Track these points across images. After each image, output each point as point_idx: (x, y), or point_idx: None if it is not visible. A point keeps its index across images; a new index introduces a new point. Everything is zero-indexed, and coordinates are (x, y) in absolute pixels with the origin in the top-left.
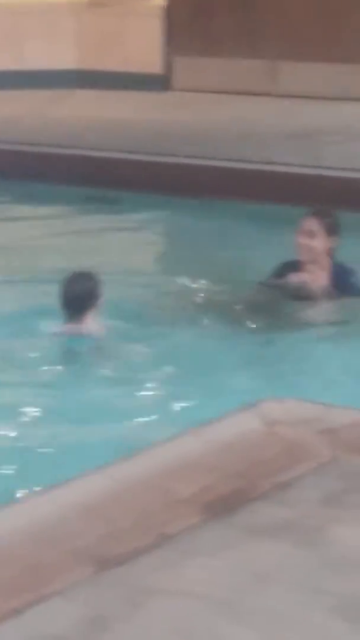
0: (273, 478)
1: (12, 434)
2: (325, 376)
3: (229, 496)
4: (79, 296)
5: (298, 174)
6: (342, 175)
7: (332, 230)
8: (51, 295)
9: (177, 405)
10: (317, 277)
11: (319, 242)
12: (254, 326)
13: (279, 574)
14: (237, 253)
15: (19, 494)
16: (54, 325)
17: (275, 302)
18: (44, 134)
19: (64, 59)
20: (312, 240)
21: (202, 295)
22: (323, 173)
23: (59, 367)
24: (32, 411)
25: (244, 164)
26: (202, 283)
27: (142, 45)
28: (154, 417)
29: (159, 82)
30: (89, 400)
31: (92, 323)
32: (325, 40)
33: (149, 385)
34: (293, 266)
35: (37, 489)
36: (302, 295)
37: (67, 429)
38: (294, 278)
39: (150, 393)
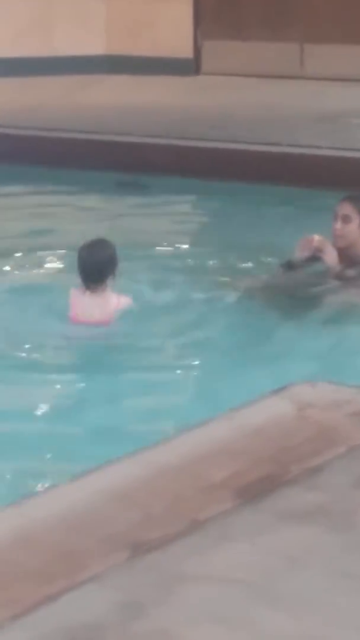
0: (304, 462)
1: (42, 421)
2: (355, 359)
3: (260, 481)
4: (98, 263)
5: (328, 156)
6: None
7: None
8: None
9: (207, 390)
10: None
11: (355, 227)
12: (283, 309)
13: (311, 558)
14: (267, 237)
15: (50, 482)
16: (74, 292)
17: (304, 285)
18: (74, 120)
19: (94, 45)
20: (347, 225)
21: (231, 279)
22: (354, 155)
23: (87, 354)
24: (62, 398)
25: (273, 147)
26: (231, 266)
27: (171, 29)
28: (184, 402)
29: (188, 67)
30: (117, 387)
31: (115, 299)
32: (353, 23)
33: (178, 370)
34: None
35: (69, 475)
36: (332, 277)
37: (99, 415)
38: (327, 257)
39: (180, 378)
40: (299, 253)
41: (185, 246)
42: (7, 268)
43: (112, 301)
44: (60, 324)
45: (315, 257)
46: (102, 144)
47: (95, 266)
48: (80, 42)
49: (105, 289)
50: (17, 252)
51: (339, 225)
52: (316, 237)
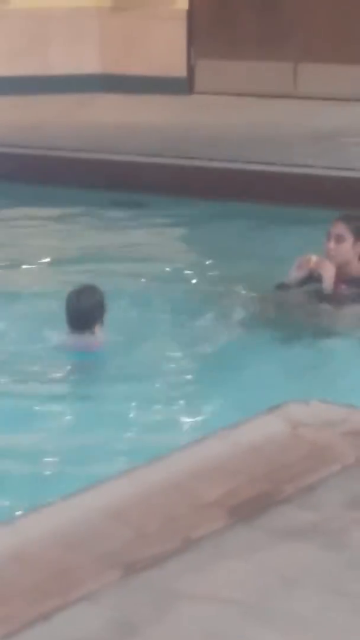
0: (298, 481)
1: (36, 441)
2: (350, 378)
3: (254, 499)
4: (85, 310)
5: (322, 175)
6: None
7: None
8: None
9: (202, 409)
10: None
11: (348, 247)
12: (277, 328)
13: (305, 577)
14: (261, 256)
15: (44, 500)
16: (61, 337)
17: (299, 305)
18: (69, 139)
19: (88, 63)
20: (340, 245)
21: (226, 298)
22: (347, 175)
23: (79, 377)
24: (55, 418)
25: (267, 166)
26: (226, 286)
27: (165, 48)
28: (177, 421)
29: (182, 86)
30: (111, 405)
31: (102, 338)
32: (346, 42)
33: (171, 388)
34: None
35: (63, 494)
36: (325, 297)
37: (92, 435)
38: (326, 274)
39: (174, 396)
40: (296, 272)
41: (180, 265)
42: (3, 284)
43: (98, 340)
44: (52, 346)
45: (311, 277)
46: (97, 162)
47: (82, 314)
48: (75, 61)
49: (92, 334)
50: (13, 268)
51: (332, 244)
52: (313, 257)
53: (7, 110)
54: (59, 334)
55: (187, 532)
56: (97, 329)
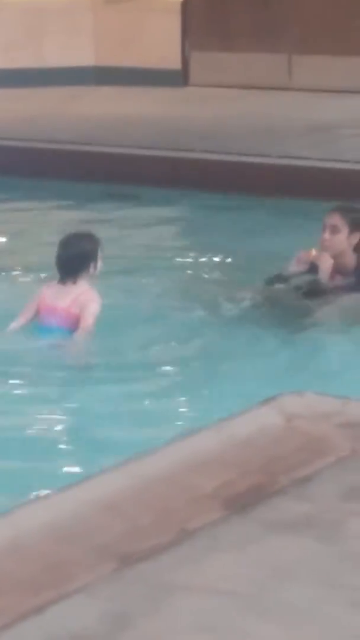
0: (292, 473)
1: (27, 433)
2: (344, 370)
3: (249, 491)
4: (72, 256)
5: (317, 167)
6: None
7: (356, 225)
8: None
9: (195, 401)
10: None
11: (343, 238)
12: (271, 319)
13: (300, 568)
14: (255, 248)
15: (38, 492)
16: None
17: (294, 296)
18: (63, 131)
19: (83, 56)
20: (335, 236)
21: (220, 290)
22: (342, 166)
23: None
24: (49, 411)
25: (262, 158)
26: (220, 278)
27: (160, 41)
28: (171, 413)
29: (177, 78)
30: (101, 399)
31: (86, 288)
32: (341, 34)
33: (165, 381)
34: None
35: (57, 486)
36: (320, 288)
37: (86, 426)
38: (324, 265)
39: (169, 388)
40: (296, 266)
41: (175, 257)
42: None
43: (80, 290)
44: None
45: (310, 270)
46: (92, 155)
47: (69, 259)
48: (70, 53)
49: (76, 282)
50: (6, 263)
51: (327, 235)
52: (313, 251)
53: (1, 102)
54: (44, 290)
55: (181, 524)
56: (85, 276)
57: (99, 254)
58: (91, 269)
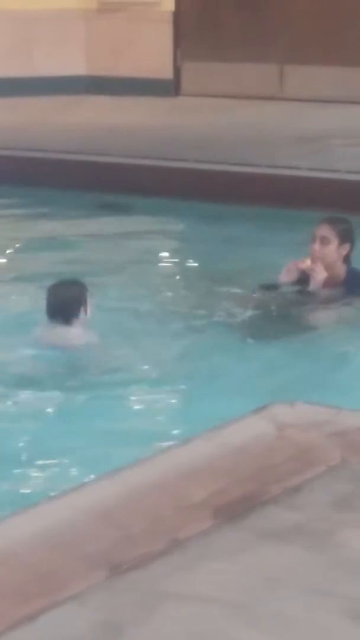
0: (284, 482)
1: (23, 442)
2: (334, 379)
3: (240, 500)
4: (63, 303)
5: (307, 177)
6: (351, 178)
7: (346, 236)
8: None
9: (187, 410)
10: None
11: (333, 249)
12: (263, 329)
13: (291, 577)
14: (247, 258)
15: (30, 501)
16: (40, 331)
17: (284, 305)
18: (55, 141)
19: (74, 66)
20: (325, 247)
21: (212, 299)
22: (332, 176)
23: (64, 376)
24: (41, 419)
25: (253, 168)
26: (212, 287)
27: (152, 51)
28: (162, 422)
29: (168, 88)
30: (95, 408)
31: (81, 332)
32: (332, 44)
33: (158, 390)
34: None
35: (48, 495)
36: (311, 297)
37: (78, 436)
38: (317, 275)
39: (161, 398)
40: (286, 276)
41: (167, 267)
42: None
43: (77, 334)
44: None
45: (300, 280)
46: (83, 164)
47: (60, 306)
48: (61, 63)
49: (71, 327)
50: None
51: (317, 246)
52: (307, 261)
53: None
54: (40, 330)
55: (173, 533)
56: (76, 323)
57: (88, 300)
58: (82, 314)
